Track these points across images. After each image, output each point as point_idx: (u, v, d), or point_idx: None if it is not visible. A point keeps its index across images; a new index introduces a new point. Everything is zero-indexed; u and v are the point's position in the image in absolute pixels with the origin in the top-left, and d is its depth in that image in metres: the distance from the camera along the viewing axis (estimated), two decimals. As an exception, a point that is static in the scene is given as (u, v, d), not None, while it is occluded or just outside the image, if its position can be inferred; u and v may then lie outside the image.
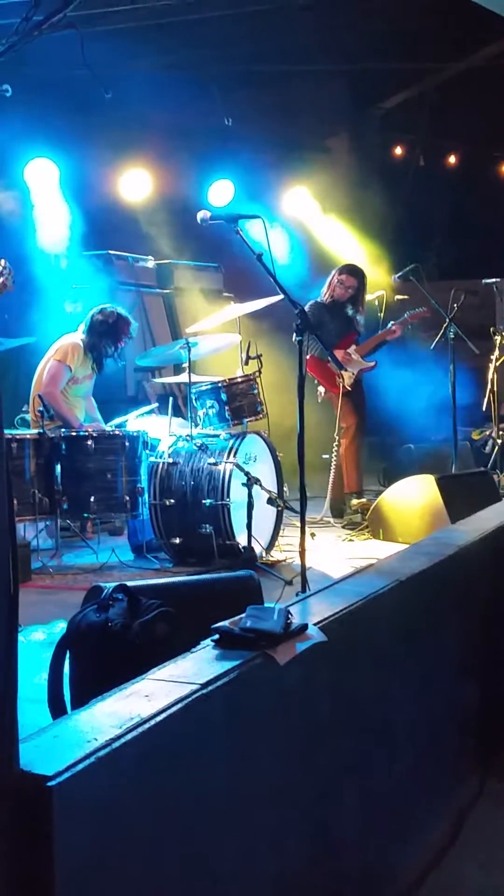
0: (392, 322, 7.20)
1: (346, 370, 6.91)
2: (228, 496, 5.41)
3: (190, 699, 1.61)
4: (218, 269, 9.08)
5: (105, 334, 6.19)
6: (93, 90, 7.48)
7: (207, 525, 5.45)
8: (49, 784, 1.30)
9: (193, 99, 8.39)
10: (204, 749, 1.65)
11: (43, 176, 7.81)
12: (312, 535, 5.69)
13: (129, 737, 1.45)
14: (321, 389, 7.07)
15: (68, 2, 5.26)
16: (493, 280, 8.30)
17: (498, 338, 7.80)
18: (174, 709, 1.56)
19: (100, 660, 2.30)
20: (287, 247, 9.18)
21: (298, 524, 3.92)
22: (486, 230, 10.99)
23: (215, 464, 5.50)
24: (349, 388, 6.95)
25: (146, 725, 1.49)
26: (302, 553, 3.87)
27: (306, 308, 7.04)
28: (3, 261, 5.18)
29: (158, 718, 1.52)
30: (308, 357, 6.81)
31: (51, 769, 1.32)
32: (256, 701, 1.82)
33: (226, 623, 1.93)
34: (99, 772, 1.37)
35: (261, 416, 5.91)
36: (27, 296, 6.32)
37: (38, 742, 1.43)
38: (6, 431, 5.33)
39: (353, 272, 7.20)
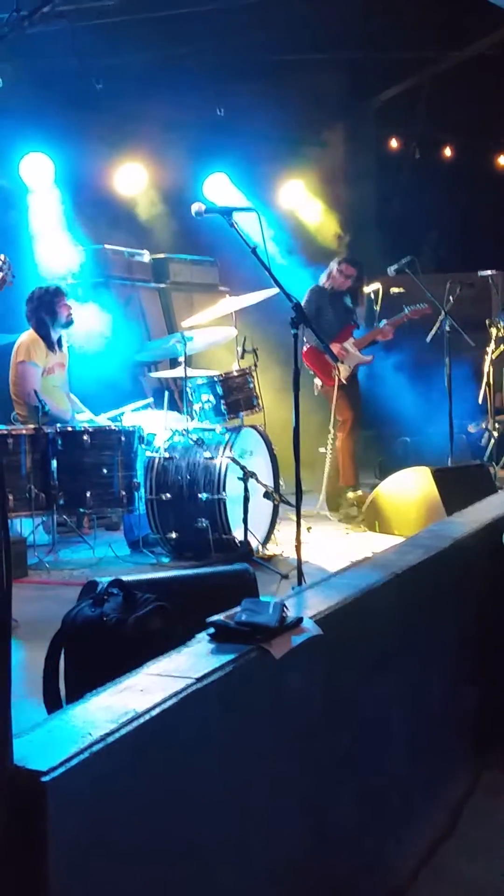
0: (385, 320, 7.18)
1: (342, 363, 6.91)
2: (224, 490, 5.40)
3: (185, 693, 1.61)
4: (213, 263, 9.06)
5: (40, 312, 6.20)
6: (87, 84, 7.47)
7: (203, 519, 5.45)
8: (43, 779, 1.29)
9: (188, 92, 8.36)
10: (199, 743, 1.65)
11: (38, 170, 7.80)
12: (308, 528, 5.69)
13: (123, 731, 1.45)
14: (318, 382, 7.07)
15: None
16: (489, 272, 8.29)
17: (494, 330, 7.81)
18: (169, 703, 1.56)
19: (95, 654, 2.31)
20: (282, 239, 9.16)
21: (294, 518, 3.92)
22: (481, 222, 10.98)
23: (211, 458, 5.50)
24: (345, 382, 6.94)
25: (141, 720, 1.49)
26: (298, 547, 3.87)
27: (307, 293, 7.10)
28: (2, 256, 5.19)
29: (153, 713, 1.52)
30: (306, 348, 6.82)
31: (45, 764, 1.32)
32: (252, 695, 1.82)
33: (221, 617, 1.93)
34: (93, 767, 1.37)
35: (257, 409, 5.91)
36: (21, 291, 6.31)
37: (32, 737, 1.43)
38: (1, 427, 5.32)
39: (353, 262, 7.21)
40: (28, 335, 6.23)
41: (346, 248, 9.39)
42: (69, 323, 6.31)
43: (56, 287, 6.32)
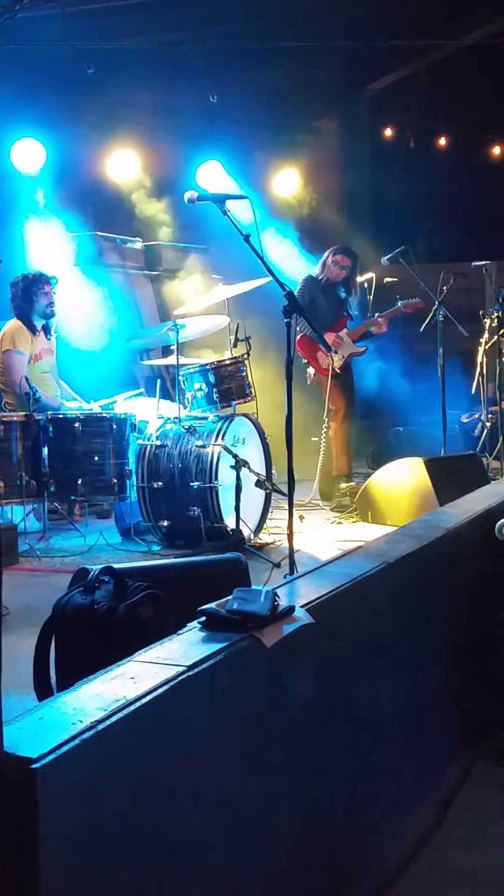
0: (378, 314, 7.17)
1: (335, 353, 6.90)
2: (216, 479, 5.39)
3: (176, 681, 1.60)
4: (206, 251, 9.03)
5: (21, 300, 6.18)
6: (78, 69, 7.42)
7: (195, 508, 5.44)
8: (33, 766, 1.29)
9: (181, 79, 8.31)
10: (190, 731, 1.64)
11: (29, 156, 7.75)
12: (301, 517, 5.68)
13: (114, 719, 1.44)
14: (310, 371, 7.05)
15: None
16: (483, 262, 8.27)
17: (487, 320, 7.79)
18: (160, 691, 1.55)
19: (85, 642, 2.29)
20: (276, 228, 9.13)
21: (287, 507, 3.90)
22: (476, 212, 10.96)
23: (203, 446, 5.48)
24: (338, 371, 6.93)
25: (131, 707, 1.48)
26: (290, 536, 3.86)
27: (300, 283, 7.08)
28: None
29: (144, 700, 1.51)
30: (299, 336, 6.81)
31: (35, 751, 1.31)
32: (243, 683, 1.81)
33: (212, 605, 1.92)
34: (84, 754, 1.36)
35: (249, 398, 5.89)
36: (10, 277, 6.29)
37: (22, 724, 1.42)
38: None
39: (348, 252, 7.18)
40: (11, 323, 6.21)
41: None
42: (49, 314, 6.25)
43: (38, 275, 6.27)
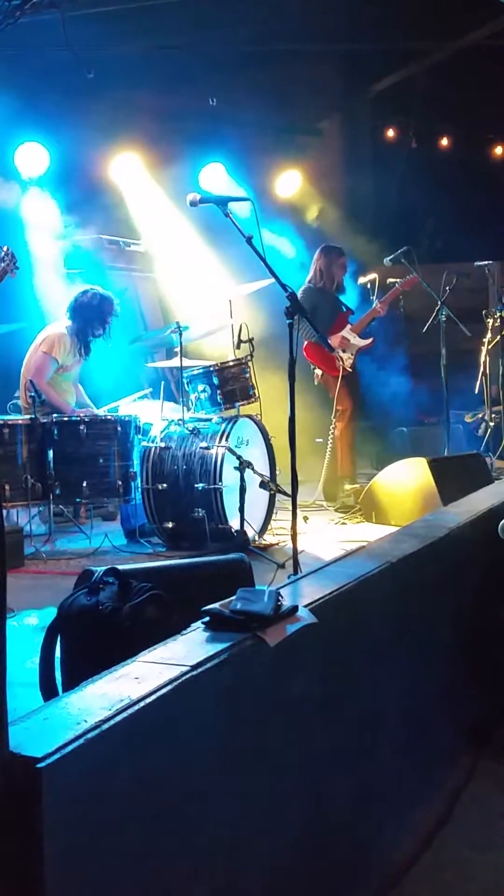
0: (377, 301, 7.20)
1: (344, 352, 6.94)
2: (221, 480, 5.41)
3: (180, 681, 1.61)
4: (209, 253, 9.04)
5: (90, 317, 6.17)
6: (79, 73, 7.45)
7: (200, 509, 5.45)
8: (38, 766, 1.30)
9: (182, 82, 8.34)
10: (194, 730, 1.65)
11: (33, 160, 7.78)
12: (305, 518, 5.70)
13: (118, 718, 1.45)
14: (318, 372, 7.07)
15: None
16: (486, 262, 8.27)
17: (490, 320, 7.80)
18: (164, 690, 1.56)
19: (90, 643, 2.31)
20: (279, 230, 9.15)
21: (291, 508, 3.91)
22: (478, 212, 10.95)
23: (207, 448, 5.50)
24: (351, 370, 6.97)
25: (136, 707, 1.49)
26: (294, 536, 3.87)
27: (301, 295, 7.08)
28: (5, 247, 5.20)
29: (148, 700, 1.52)
30: (306, 343, 6.83)
31: (40, 751, 1.32)
32: (246, 682, 1.82)
33: (216, 605, 1.93)
34: (88, 753, 1.37)
35: (253, 399, 5.91)
36: (20, 282, 6.31)
37: (27, 724, 1.43)
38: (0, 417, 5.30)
39: (341, 251, 7.26)
40: (60, 332, 6.17)
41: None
42: (97, 335, 6.23)
43: (114, 301, 6.23)
